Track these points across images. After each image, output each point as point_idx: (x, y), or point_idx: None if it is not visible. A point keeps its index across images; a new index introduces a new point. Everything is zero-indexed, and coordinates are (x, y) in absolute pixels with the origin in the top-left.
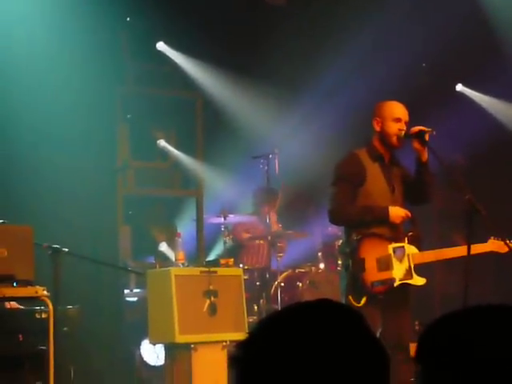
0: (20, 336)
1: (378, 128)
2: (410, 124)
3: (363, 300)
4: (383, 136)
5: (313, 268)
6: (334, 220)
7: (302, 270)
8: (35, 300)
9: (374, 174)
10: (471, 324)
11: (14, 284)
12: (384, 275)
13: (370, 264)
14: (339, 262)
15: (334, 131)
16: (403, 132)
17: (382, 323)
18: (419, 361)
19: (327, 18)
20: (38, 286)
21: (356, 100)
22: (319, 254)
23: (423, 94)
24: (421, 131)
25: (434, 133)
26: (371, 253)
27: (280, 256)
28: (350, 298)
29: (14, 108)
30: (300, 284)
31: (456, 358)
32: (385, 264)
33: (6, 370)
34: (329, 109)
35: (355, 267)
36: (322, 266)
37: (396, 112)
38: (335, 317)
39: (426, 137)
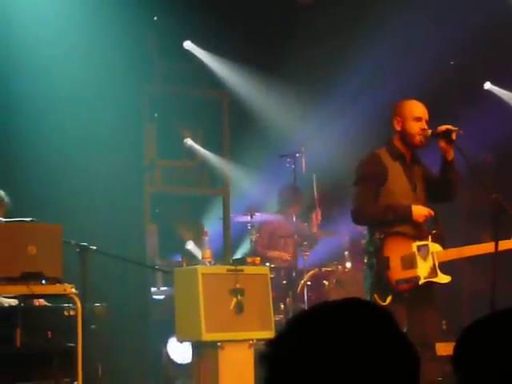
0: (49, 333)
1: (398, 127)
2: (437, 123)
3: (389, 299)
4: (404, 135)
5: (339, 267)
6: (357, 220)
7: (329, 269)
8: (63, 298)
9: (396, 173)
10: (506, 328)
11: (43, 281)
12: (409, 273)
13: (395, 262)
14: (365, 261)
15: (361, 130)
16: (429, 131)
17: (408, 321)
18: (457, 368)
19: (355, 17)
20: (66, 284)
21: (383, 99)
22: (346, 252)
23: (451, 92)
24: (448, 130)
25: (461, 132)
26: (395, 251)
27: (306, 255)
28: (376, 296)
29: (42, 109)
30: (326, 283)
31: (493, 365)
32: (409, 262)
33: (35, 367)
34: (355, 107)
35: (380, 266)
36: (348, 264)
37: (416, 111)
38: (364, 315)
39: (453, 136)
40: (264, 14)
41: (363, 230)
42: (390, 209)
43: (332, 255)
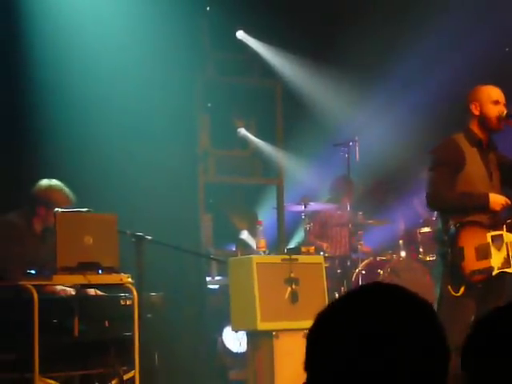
0: (106, 322)
1: (476, 112)
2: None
3: (462, 289)
4: (483, 119)
5: (394, 256)
6: (433, 205)
7: (383, 258)
8: (119, 287)
9: (473, 159)
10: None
11: (100, 271)
12: (483, 264)
13: (469, 253)
14: (420, 250)
15: (415, 118)
16: (504, 112)
17: (477, 312)
18: (464, 363)
19: (407, 5)
20: (122, 274)
21: (437, 86)
22: (400, 241)
23: (507, 79)
24: None
25: None
26: (470, 241)
27: (360, 244)
28: (449, 287)
29: (98, 100)
30: (381, 272)
31: (499, 365)
32: (483, 253)
33: (92, 356)
34: (410, 95)
35: (454, 256)
36: (403, 253)
37: (493, 95)
38: (405, 305)
39: None
40: (317, 2)
41: (418, 218)
42: (466, 196)
43: (386, 244)
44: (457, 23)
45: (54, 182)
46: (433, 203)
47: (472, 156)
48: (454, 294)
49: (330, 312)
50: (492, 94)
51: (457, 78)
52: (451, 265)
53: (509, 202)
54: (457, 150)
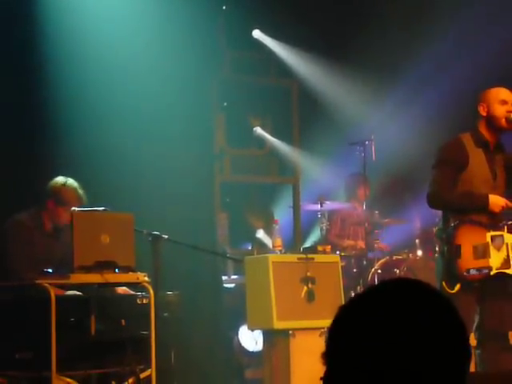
0: (122, 321)
1: (483, 113)
2: None
3: (457, 287)
4: (490, 119)
5: (410, 255)
6: (433, 203)
7: (400, 257)
8: (136, 286)
9: (477, 159)
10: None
11: (116, 270)
12: (480, 263)
13: (467, 251)
14: (437, 249)
15: (430, 117)
16: None
17: (480, 311)
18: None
19: (423, 4)
20: (139, 272)
21: (453, 86)
22: (417, 240)
23: None
24: None
25: None
26: (468, 240)
27: (377, 243)
28: (444, 284)
29: (115, 100)
30: (397, 271)
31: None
32: (482, 252)
33: (109, 354)
34: (425, 95)
35: (451, 253)
36: (419, 252)
37: (501, 95)
38: (424, 299)
39: None
40: (333, 1)
41: (435, 217)
42: (466, 196)
43: (403, 243)
44: (472, 23)
45: (70, 180)
46: (432, 202)
47: (476, 156)
48: (449, 290)
49: (355, 305)
50: (499, 94)
51: (473, 77)
52: (447, 262)
53: (509, 204)
54: (461, 149)
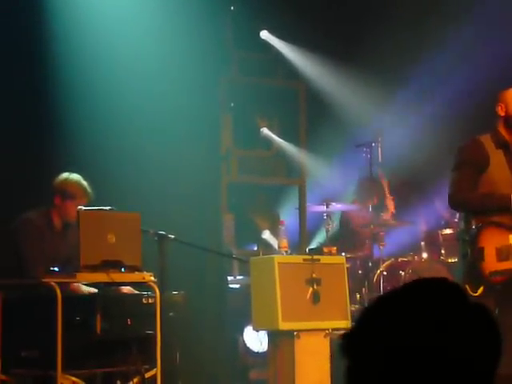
0: (128, 320)
1: (502, 113)
2: None
3: (480, 290)
4: (508, 119)
5: (415, 257)
6: (454, 205)
7: (405, 259)
8: (142, 285)
9: (498, 160)
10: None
11: (122, 269)
12: (503, 265)
13: (490, 253)
14: (442, 252)
15: (437, 119)
16: None
17: (498, 314)
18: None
19: (432, 5)
20: (145, 272)
21: (461, 89)
22: (422, 243)
23: None
24: None
25: None
26: (491, 242)
27: (382, 245)
28: (467, 287)
29: (122, 100)
30: (402, 273)
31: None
32: (505, 254)
33: (114, 354)
34: (432, 97)
35: (474, 256)
36: (424, 255)
37: None
38: (450, 302)
39: None
40: (341, 2)
41: (440, 220)
42: (487, 197)
43: (408, 245)
44: (483, 22)
45: (74, 174)
46: (454, 204)
47: (497, 157)
48: (472, 293)
49: (369, 322)
50: None
51: (482, 78)
52: (471, 265)
53: None
54: (481, 150)
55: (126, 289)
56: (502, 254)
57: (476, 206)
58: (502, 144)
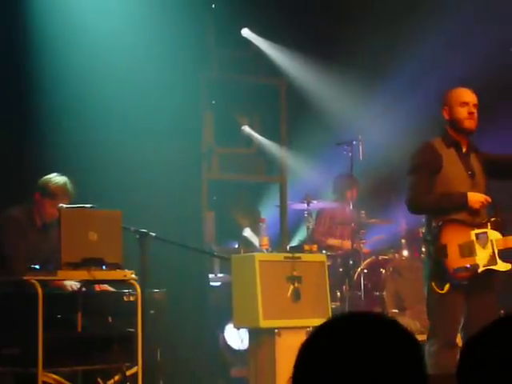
0: (109, 318)
1: (447, 116)
2: (495, 110)
3: (446, 287)
4: (453, 122)
5: (396, 255)
6: (413, 209)
7: (386, 257)
8: (123, 283)
9: (451, 159)
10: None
11: (104, 267)
12: (467, 261)
13: (453, 250)
14: (423, 249)
15: (419, 117)
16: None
17: (467, 310)
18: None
19: (413, 4)
20: (126, 270)
21: (441, 88)
22: (403, 240)
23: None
24: None
25: None
26: (453, 239)
27: (363, 243)
28: (433, 284)
29: (103, 97)
30: (383, 271)
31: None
32: (468, 250)
33: (95, 351)
34: (413, 96)
35: (437, 254)
36: (405, 252)
37: (462, 96)
38: (387, 334)
39: None
40: (321, 2)
41: (421, 217)
42: (444, 197)
43: (389, 243)
44: (461, 22)
45: (62, 176)
46: (413, 208)
47: (449, 156)
48: (438, 291)
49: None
50: (460, 95)
51: (461, 77)
52: (435, 263)
53: (488, 199)
54: (433, 152)
55: (103, 286)
56: (465, 251)
57: (434, 208)
58: (452, 143)
